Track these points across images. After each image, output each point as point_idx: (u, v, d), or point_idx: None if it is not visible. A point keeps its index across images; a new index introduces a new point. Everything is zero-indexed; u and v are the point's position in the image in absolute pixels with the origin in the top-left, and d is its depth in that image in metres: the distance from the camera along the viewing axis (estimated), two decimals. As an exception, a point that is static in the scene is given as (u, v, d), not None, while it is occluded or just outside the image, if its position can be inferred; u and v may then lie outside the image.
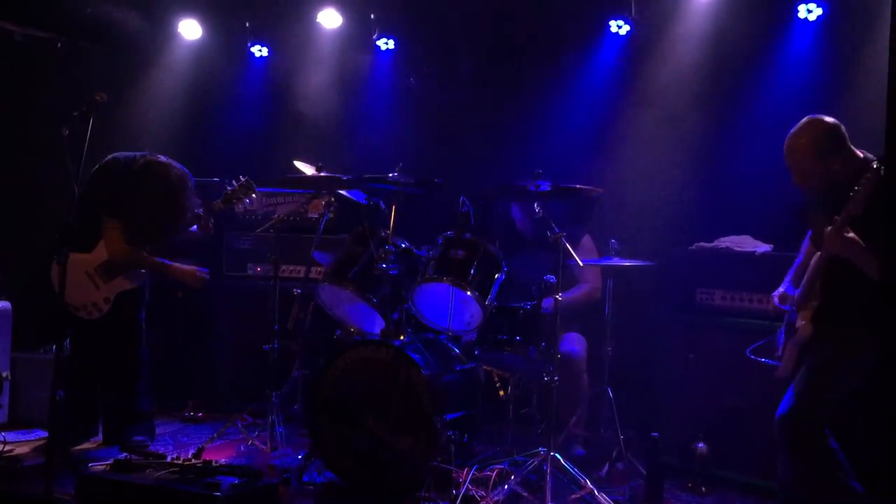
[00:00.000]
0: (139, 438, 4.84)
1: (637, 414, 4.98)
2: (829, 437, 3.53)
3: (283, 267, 5.47)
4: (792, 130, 3.62)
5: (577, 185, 4.41)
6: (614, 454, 4.70)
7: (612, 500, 4.15)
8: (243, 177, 5.02)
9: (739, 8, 5.39)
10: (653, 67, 5.73)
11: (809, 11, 5.20)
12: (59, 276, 3.86)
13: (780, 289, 3.90)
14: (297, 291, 5.07)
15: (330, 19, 6.44)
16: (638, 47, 5.80)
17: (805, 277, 3.69)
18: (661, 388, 5.05)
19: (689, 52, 5.56)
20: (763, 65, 5.36)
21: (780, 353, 3.79)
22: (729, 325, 4.68)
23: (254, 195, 5.04)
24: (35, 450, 4.85)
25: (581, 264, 4.63)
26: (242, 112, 6.87)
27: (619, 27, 5.76)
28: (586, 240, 5.24)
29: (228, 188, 5.03)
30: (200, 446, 4.73)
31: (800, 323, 3.67)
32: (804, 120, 3.62)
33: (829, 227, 3.39)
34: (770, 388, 3.86)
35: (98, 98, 4.42)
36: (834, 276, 3.54)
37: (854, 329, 3.50)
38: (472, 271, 4.46)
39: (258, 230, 5.62)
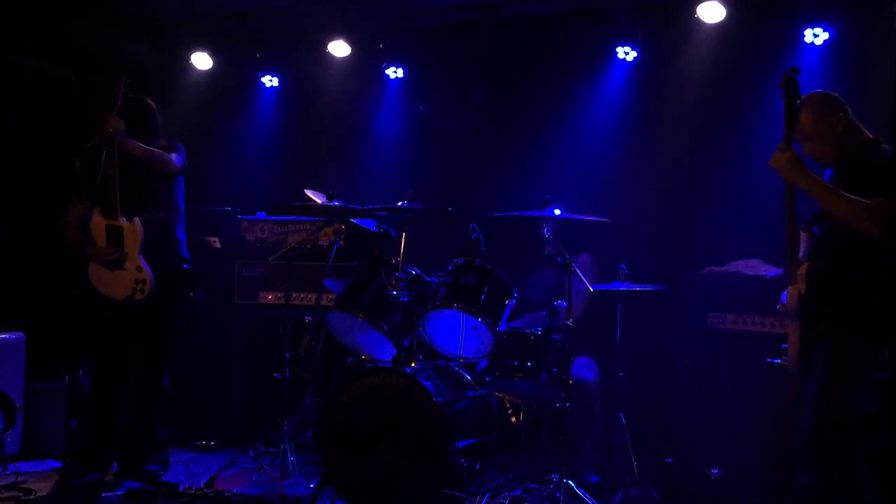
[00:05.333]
0: (152, 468, 4.84)
1: (650, 439, 4.94)
2: (858, 458, 3.44)
3: (295, 295, 5.48)
4: None
5: (586, 217, 4.45)
6: (628, 481, 4.66)
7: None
8: None
9: (746, 32, 5.41)
10: (660, 93, 5.76)
11: (816, 36, 5.22)
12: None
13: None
14: (308, 319, 5.09)
15: (339, 49, 6.50)
16: (645, 73, 5.83)
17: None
18: (674, 413, 5.01)
19: (696, 76, 5.59)
20: (770, 89, 5.31)
21: None
22: (741, 349, 4.66)
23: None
24: (48, 481, 4.85)
25: (591, 290, 4.64)
26: (253, 141, 6.95)
27: (627, 54, 5.78)
28: (584, 258, 5.23)
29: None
30: (213, 475, 4.73)
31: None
32: None
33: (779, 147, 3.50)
34: (784, 413, 3.84)
35: (111, 130, 4.49)
36: (837, 277, 3.47)
37: (853, 330, 3.43)
38: (482, 298, 4.48)
39: (270, 258, 5.64)
